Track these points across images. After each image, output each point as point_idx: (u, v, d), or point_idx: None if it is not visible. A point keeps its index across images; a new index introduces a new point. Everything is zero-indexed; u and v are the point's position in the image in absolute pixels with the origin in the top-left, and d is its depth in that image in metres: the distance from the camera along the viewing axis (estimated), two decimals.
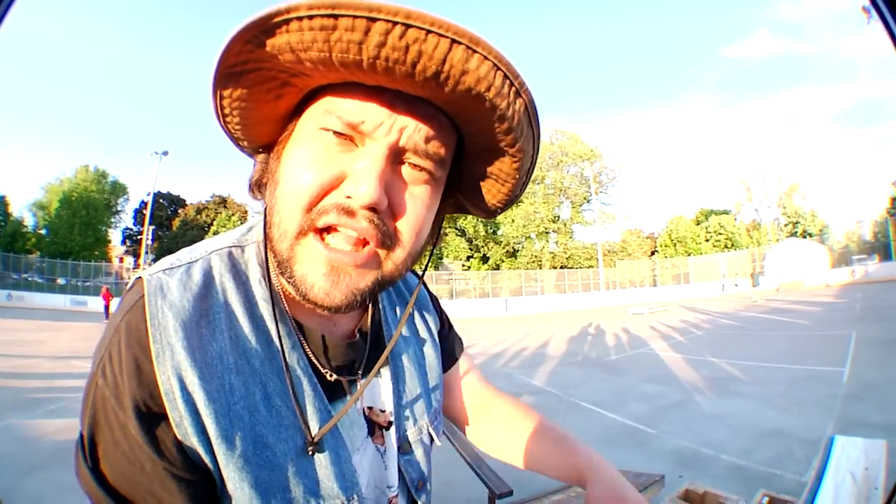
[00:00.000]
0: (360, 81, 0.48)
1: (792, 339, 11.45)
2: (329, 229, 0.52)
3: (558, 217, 46.79)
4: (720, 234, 45.27)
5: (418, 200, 0.54)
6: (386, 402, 0.69)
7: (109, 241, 47.76)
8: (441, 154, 0.53)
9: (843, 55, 62.28)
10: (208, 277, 0.56)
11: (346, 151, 0.51)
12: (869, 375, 7.35)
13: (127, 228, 50.47)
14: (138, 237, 47.39)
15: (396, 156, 0.52)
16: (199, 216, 47.41)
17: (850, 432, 2.97)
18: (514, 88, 0.47)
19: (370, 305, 0.71)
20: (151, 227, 44.19)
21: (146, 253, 43.24)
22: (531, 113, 0.51)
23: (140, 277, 0.54)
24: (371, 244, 0.52)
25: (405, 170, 0.53)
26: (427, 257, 0.66)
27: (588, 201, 46.99)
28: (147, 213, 40.79)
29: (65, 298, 31.36)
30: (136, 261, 46.84)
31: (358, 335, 0.68)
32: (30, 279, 37.16)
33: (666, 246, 46.35)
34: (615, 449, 5.31)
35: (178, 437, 0.49)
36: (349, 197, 0.49)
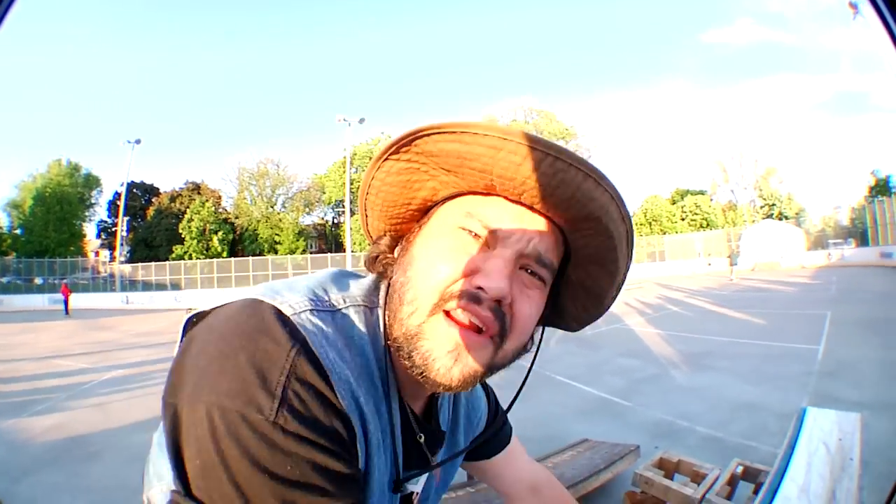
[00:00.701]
0: (502, 195, 0.58)
1: (767, 317, 11.56)
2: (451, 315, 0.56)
3: None
4: (696, 213, 45.53)
5: (532, 302, 0.59)
6: (420, 482, 0.74)
7: (84, 236, 46.65)
8: (554, 263, 0.61)
9: (827, 47, 62.47)
10: (351, 329, 0.59)
11: (481, 250, 0.57)
12: (843, 353, 7.39)
13: (101, 221, 49.09)
14: (113, 229, 46.36)
15: (519, 260, 0.58)
16: (173, 204, 46.20)
17: (824, 407, 2.90)
18: (622, 215, 0.57)
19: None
20: (126, 218, 43.54)
21: (121, 245, 42.46)
22: (630, 237, 0.60)
23: (284, 315, 0.54)
24: (487, 333, 0.56)
25: (523, 274, 0.59)
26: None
27: None
28: (121, 204, 39.89)
29: (43, 298, 30.92)
30: (111, 253, 45.89)
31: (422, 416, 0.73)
32: (8, 282, 36.16)
33: (641, 224, 46.42)
34: (591, 421, 5.26)
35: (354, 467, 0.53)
36: (480, 288, 0.54)
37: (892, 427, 4.43)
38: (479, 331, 0.56)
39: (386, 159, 0.60)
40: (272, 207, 47.73)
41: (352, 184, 38.83)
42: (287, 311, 0.53)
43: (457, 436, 0.84)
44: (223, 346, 0.49)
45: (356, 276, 0.70)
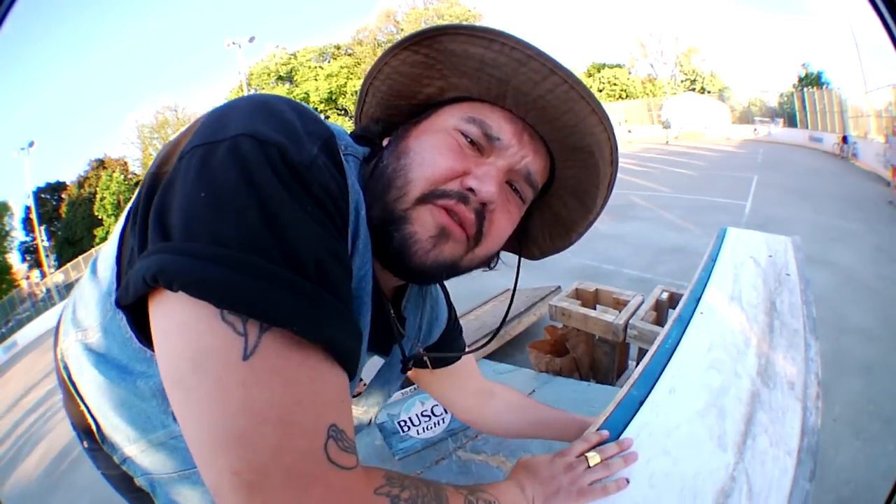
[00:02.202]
0: (510, 108, 0.60)
1: (693, 177, 11.65)
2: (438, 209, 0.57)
3: None
4: (614, 85, 44.95)
5: (509, 216, 0.62)
6: (367, 374, 0.82)
7: (11, 267, 41.10)
8: (538, 185, 0.64)
9: None
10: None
11: (474, 155, 0.59)
12: (772, 211, 7.48)
13: (22, 243, 43.20)
14: (34, 245, 41.55)
15: (508, 174, 0.60)
16: (82, 190, 41.79)
17: None
18: (613, 158, 0.61)
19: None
20: (42, 228, 39.00)
21: (47, 257, 38.43)
22: (612, 179, 0.64)
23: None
24: (466, 233, 0.58)
25: (507, 188, 0.61)
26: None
27: None
28: (34, 216, 35.90)
29: None
30: (41, 270, 41.40)
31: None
32: None
33: None
34: (513, 273, 5.03)
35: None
36: (471, 189, 0.56)
37: (832, 281, 4.46)
38: (459, 227, 0.57)
39: (404, 48, 0.60)
40: None
41: None
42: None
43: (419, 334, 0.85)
44: (251, 101, 0.48)
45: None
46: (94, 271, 0.59)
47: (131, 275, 0.42)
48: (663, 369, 1.02)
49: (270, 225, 0.41)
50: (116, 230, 0.55)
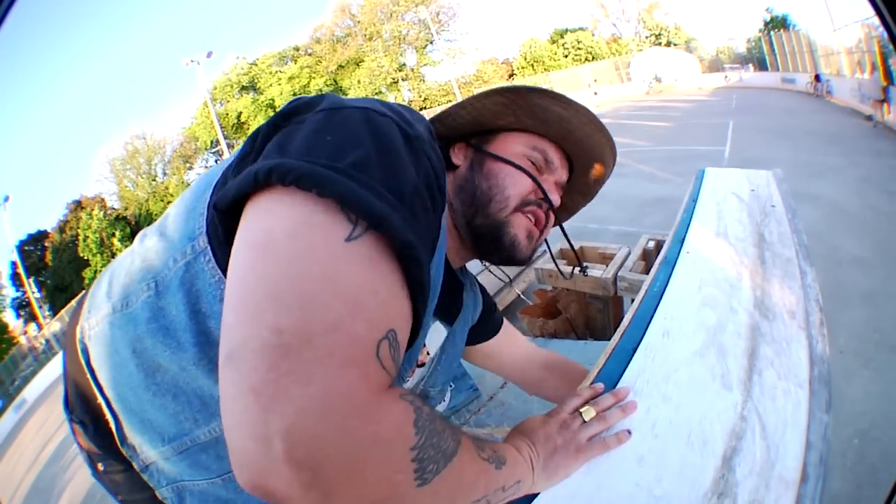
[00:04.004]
0: (562, 146, 0.84)
1: (669, 128, 11.60)
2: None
3: (404, 65, 44.88)
4: (578, 48, 44.28)
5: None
6: (432, 345, 0.87)
7: (7, 326, 39.97)
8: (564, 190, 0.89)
9: None
10: None
11: (537, 173, 0.80)
12: (751, 154, 7.44)
13: (14, 299, 41.94)
14: (25, 299, 40.51)
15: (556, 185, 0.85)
16: (64, 235, 40.74)
17: None
18: (610, 174, 0.92)
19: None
20: (31, 280, 37.99)
21: (40, 307, 37.53)
22: (603, 183, 0.94)
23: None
24: (540, 227, 0.80)
25: None
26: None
27: (431, 42, 44.89)
28: (21, 270, 35.12)
29: (9, 417, 25.30)
30: (37, 323, 40.23)
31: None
32: None
33: (523, 68, 45.31)
34: None
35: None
36: (543, 199, 0.78)
37: (820, 214, 4.43)
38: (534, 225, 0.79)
39: (499, 94, 0.78)
40: (154, 181, 44.20)
41: (220, 120, 36.38)
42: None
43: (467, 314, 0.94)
44: (366, 99, 0.54)
45: None
46: (158, 232, 0.59)
47: (235, 180, 0.43)
48: (654, 313, 0.95)
49: (383, 162, 0.45)
50: (200, 187, 0.57)
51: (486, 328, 1.06)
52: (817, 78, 16.55)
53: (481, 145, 0.82)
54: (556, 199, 0.80)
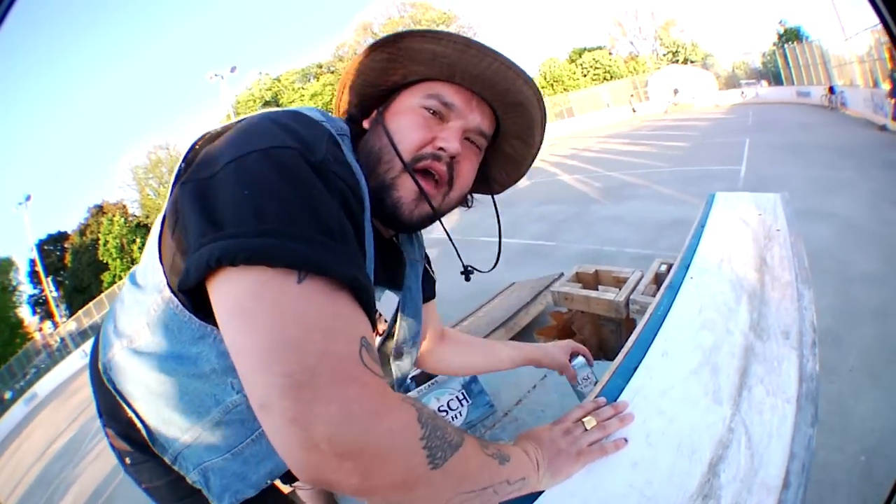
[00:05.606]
0: (459, 83, 0.76)
1: (686, 148, 11.60)
2: (418, 171, 0.74)
3: None
4: (597, 68, 44.40)
5: (471, 163, 0.80)
6: (385, 310, 0.90)
7: (23, 322, 40.00)
8: (488, 135, 0.82)
9: None
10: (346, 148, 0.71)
11: (436, 123, 0.76)
12: (767, 171, 7.43)
13: (31, 296, 42.34)
14: (43, 297, 41.50)
15: (464, 131, 0.77)
16: (84, 238, 41.58)
17: None
18: (540, 105, 0.80)
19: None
20: (49, 279, 39.12)
21: (57, 306, 38.43)
22: (543, 120, 0.83)
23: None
24: (442, 184, 0.76)
25: (465, 142, 0.78)
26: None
27: None
28: (39, 269, 36.02)
29: (18, 408, 25.66)
30: (52, 321, 40.52)
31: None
32: None
33: (543, 88, 45.34)
34: (518, 266, 5.06)
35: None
36: (441, 149, 0.74)
37: (833, 231, 4.41)
38: (436, 182, 0.76)
39: (373, 50, 0.76)
40: None
41: None
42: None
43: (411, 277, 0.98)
44: (265, 119, 0.62)
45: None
46: (134, 282, 0.73)
47: (191, 262, 0.51)
48: (655, 335, 1.02)
49: (304, 204, 0.52)
50: (152, 240, 0.67)
51: (427, 286, 1.08)
52: (831, 90, 16.51)
53: (383, 109, 0.80)
54: (453, 145, 0.73)
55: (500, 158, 0.90)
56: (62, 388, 21.23)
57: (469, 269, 0.96)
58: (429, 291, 1.10)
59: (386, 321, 0.90)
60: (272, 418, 0.47)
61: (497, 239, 0.96)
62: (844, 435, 1.39)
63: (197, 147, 0.66)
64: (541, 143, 0.87)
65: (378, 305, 0.86)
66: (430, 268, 1.12)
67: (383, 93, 0.82)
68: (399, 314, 0.92)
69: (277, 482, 1.02)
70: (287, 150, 0.55)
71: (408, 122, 0.75)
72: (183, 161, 0.65)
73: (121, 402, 0.73)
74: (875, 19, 0.79)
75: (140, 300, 0.69)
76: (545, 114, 0.82)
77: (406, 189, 0.73)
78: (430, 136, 0.74)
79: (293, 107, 0.71)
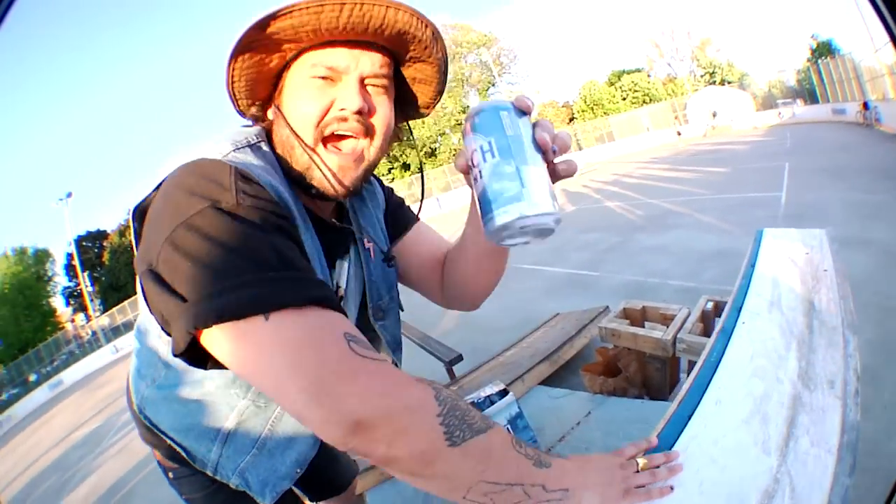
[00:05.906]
0: (334, 39, 0.73)
1: (726, 174, 11.44)
2: (331, 138, 0.77)
3: (468, 107, 45.29)
4: (636, 91, 44.18)
5: (383, 104, 0.80)
6: (340, 278, 0.95)
7: (55, 311, 42.24)
8: (387, 72, 0.79)
9: None
10: (263, 157, 0.79)
11: (331, 87, 0.76)
12: (808, 197, 7.27)
13: (65, 288, 44.74)
14: (77, 290, 43.12)
15: (363, 81, 0.77)
16: (123, 239, 42.81)
17: None
18: (423, 23, 0.75)
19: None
20: (85, 274, 40.36)
21: (91, 301, 39.54)
22: (437, 35, 0.79)
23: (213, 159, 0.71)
24: (360, 139, 0.78)
25: (370, 88, 0.78)
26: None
27: (493, 85, 46.35)
28: (76, 263, 37.37)
29: (42, 391, 25.97)
30: (85, 314, 41.94)
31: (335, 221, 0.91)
32: (8, 397, 29.76)
33: (583, 111, 45.38)
34: (562, 297, 5.09)
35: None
36: (343, 109, 0.75)
37: (872, 261, 4.31)
38: (353, 140, 0.78)
39: (240, 54, 0.73)
40: None
41: None
42: (214, 156, 0.71)
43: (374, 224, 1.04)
44: (173, 189, 0.66)
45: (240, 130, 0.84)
46: (139, 331, 0.90)
47: (174, 334, 0.60)
48: (709, 382, 1.07)
49: (241, 253, 0.60)
50: (140, 296, 0.74)
51: (397, 216, 1.10)
52: (865, 106, 16.30)
53: (277, 96, 0.80)
54: (352, 102, 0.73)
55: (413, 82, 0.88)
56: (89, 379, 22.04)
57: (391, 256, 1.00)
58: (402, 221, 1.11)
59: (343, 288, 0.95)
60: (311, 424, 0.57)
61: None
62: (875, 475, 1.39)
63: (137, 226, 0.72)
64: (443, 61, 0.84)
65: (342, 282, 0.94)
66: (396, 197, 1.13)
67: (275, 79, 0.80)
68: (366, 279, 0.98)
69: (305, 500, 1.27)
70: (201, 214, 0.61)
71: (301, 99, 0.76)
72: (135, 235, 0.72)
73: (157, 433, 0.90)
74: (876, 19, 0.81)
75: (150, 345, 0.86)
76: (435, 30, 0.78)
77: (326, 164, 0.77)
78: (328, 100, 0.75)
79: (203, 149, 0.74)
